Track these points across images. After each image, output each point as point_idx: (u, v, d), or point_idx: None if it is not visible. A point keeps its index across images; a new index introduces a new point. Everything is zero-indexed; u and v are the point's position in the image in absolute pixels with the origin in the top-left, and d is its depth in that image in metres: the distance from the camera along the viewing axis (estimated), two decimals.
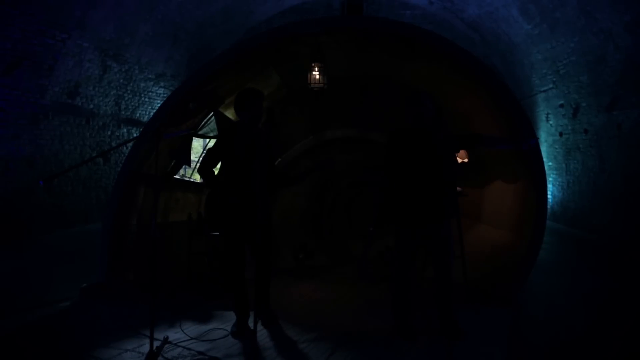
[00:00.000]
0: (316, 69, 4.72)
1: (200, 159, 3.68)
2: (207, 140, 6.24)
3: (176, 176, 5.18)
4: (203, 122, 5.01)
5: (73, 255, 6.35)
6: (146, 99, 10.24)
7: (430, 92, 3.55)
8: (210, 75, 4.56)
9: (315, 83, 4.76)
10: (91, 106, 8.68)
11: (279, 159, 5.63)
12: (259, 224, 3.31)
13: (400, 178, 3.40)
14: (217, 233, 4.60)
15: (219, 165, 3.65)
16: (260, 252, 3.60)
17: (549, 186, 10.38)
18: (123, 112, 9.71)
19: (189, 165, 5.01)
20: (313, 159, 5.70)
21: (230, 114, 5.27)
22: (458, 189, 4.42)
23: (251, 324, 3.47)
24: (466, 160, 4.39)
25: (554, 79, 9.47)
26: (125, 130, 9.88)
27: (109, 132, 9.41)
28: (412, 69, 5.01)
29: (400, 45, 4.70)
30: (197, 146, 9.51)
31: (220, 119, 5.02)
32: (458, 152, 3.54)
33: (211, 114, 4.99)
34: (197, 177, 6.02)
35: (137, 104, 10.03)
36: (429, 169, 3.31)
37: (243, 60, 4.67)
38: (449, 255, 3.47)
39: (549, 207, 10.25)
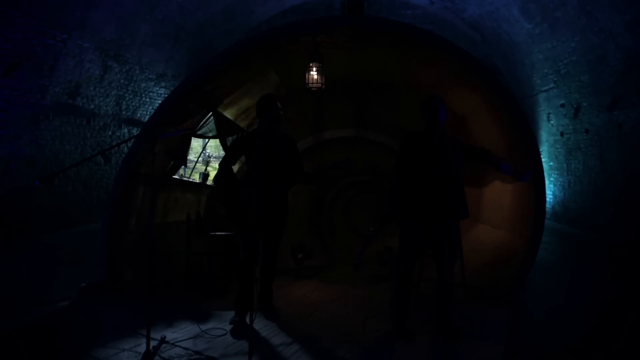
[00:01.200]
0: (314, 69, 4.72)
1: (224, 155, 3.97)
2: (207, 140, 6.25)
3: (175, 176, 5.19)
4: (201, 122, 5.01)
5: (73, 255, 6.36)
6: (147, 99, 10.25)
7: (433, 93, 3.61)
8: (208, 76, 4.56)
9: (313, 83, 4.76)
10: (92, 106, 8.69)
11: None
12: (255, 222, 3.41)
13: (412, 178, 3.47)
14: (217, 233, 4.65)
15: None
16: (267, 250, 3.78)
17: (551, 186, 10.36)
18: (124, 113, 9.72)
19: (185, 165, 5.02)
20: (312, 159, 5.70)
21: (229, 114, 5.27)
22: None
23: (248, 321, 3.53)
24: None
25: (555, 79, 9.45)
26: (126, 130, 9.90)
27: (110, 133, 9.43)
28: (411, 68, 5.01)
29: (398, 45, 4.70)
30: (197, 146, 9.53)
31: (219, 119, 5.02)
32: (466, 159, 3.59)
33: (210, 114, 5.00)
34: (196, 177, 6.03)
35: (138, 104, 10.05)
36: (440, 171, 3.34)
37: (242, 61, 4.68)
38: (453, 257, 3.47)
39: (550, 207, 10.25)
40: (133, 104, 9.90)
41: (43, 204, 7.68)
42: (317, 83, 4.76)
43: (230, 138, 5.18)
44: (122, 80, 9.16)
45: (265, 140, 3.59)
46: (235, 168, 4.70)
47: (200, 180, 5.73)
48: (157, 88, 10.40)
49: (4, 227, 6.79)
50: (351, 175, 6.05)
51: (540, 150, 10.94)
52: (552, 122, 10.23)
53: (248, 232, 3.61)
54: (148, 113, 10.37)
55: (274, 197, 3.65)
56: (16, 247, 6.60)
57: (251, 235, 3.57)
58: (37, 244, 6.97)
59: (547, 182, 10.56)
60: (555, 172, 10.22)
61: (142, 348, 3.09)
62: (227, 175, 3.86)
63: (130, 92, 9.60)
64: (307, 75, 4.76)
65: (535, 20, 8.93)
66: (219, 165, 3.90)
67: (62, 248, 6.93)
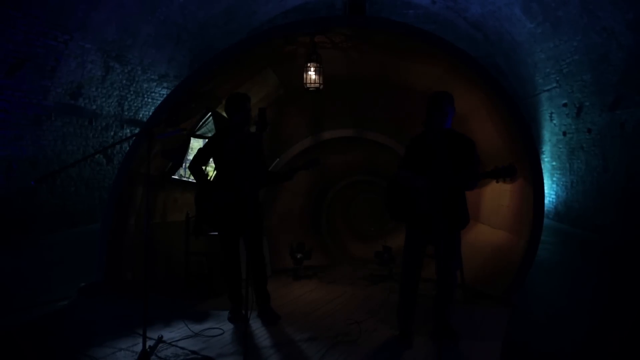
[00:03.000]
0: (312, 69, 4.71)
1: (192, 157, 3.88)
2: (205, 140, 6.26)
3: (174, 176, 5.20)
4: (200, 123, 5.02)
5: (75, 255, 6.39)
6: (149, 100, 10.29)
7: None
8: (207, 76, 4.58)
9: (311, 83, 4.76)
10: (94, 107, 8.74)
11: (277, 159, 5.63)
12: (248, 222, 3.44)
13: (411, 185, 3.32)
14: (216, 233, 4.65)
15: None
16: (251, 250, 3.72)
17: (553, 186, 10.31)
18: (126, 113, 9.76)
19: (181, 166, 5.03)
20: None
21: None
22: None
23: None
24: None
25: (558, 78, 9.41)
26: (128, 130, 9.93)
27: (112, 133, 9.47)
28: (410, 68, 5.00)
29: (397, 45, 4.69)
30: (196, 146, 9.55)
31: (218, 119, 5.03)
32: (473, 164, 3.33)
33: (208, 114, 5.01)
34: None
35: (140, 105, 10.09)
36: (434, 177, 3.16)
37: (240, 61, 4.69)
38: (455, 263, 3.41)
39: (553, 207, 10.20)
40: (135, 104, 9.94)
41: (45, 204, 7.73)
42: (315, 83, 4.75)
43: None
44: (124, 81, 9.20)
45: (236, 141, 3.62)
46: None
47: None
48: (160, 89, 10.43)
49: (6, 227, 6.83)
50: (351, 175, 6.05)
51: (542, 149, 10.98)
52: (554, 121, 10.19)
53: (224, 234, 3.71)
54: (150, 114, 10.41)
55: (246, 198, 3.58)
56: (18, 247, 6.64)
57: (227, 236, 3.68)
58: (38, 244, 7.01)
59: (550, 182, 10.52)
60: (558, 171, 10.17)
61: (139, 347, 3.09)
62: (198, 178, 3.82)
63: (132, 92, 9.64)
64: (305, 76, 4.76)
65: (537, 19, 8.90)
66: (189, 167, 3.87)
67: (64, 248, 6.97)
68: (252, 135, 3.76)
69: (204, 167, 3.90)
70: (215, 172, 3.89)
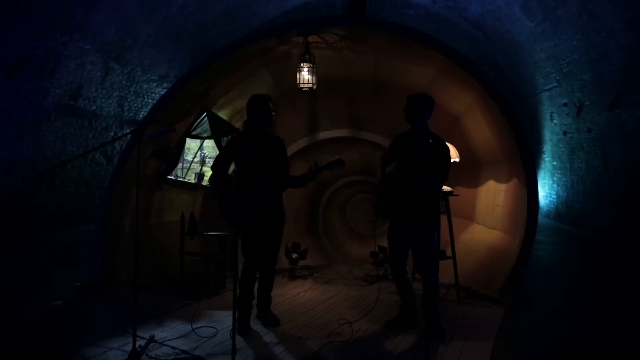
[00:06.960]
0: (305, 69, 4.72)
1: (215, 158, 3.79)
2: (203, 140, 6.28)
3: (170, 176, 5.22)
4: (196, 123, 5.04)
5: (73, 255, 6.43)
6: (149, 100, 10.33)
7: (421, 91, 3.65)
8: (202, 77, 4.59)
9: (304, 83, 4.76)
10: (94, 107, 8.78)
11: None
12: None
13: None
14: (211, 233, 4.66)
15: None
16: (267, 254, 3.70)
17: (554, 186, 10.27)
18: (126, 114, 9.80)
19: (173, 166, 5.04)
20: (307, 159, 5.70)
21: (224, 114, 5.30)
22: (448, 188, 4.40)
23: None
24: (457, 159, 4.37)
25: (558, 78, 9.37)
26: (128, 131, 9.98)
27: (112, 134, 9.51)
28: (404, 68, 5.00)
29: (392, 45, 4.69)
30: (194, 147, 9.56)
31: (213, 120, 5.04)
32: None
33: (203, 115, 5.02)
34: (191, 178, 6.06)
35: (140, 105, 10.13)
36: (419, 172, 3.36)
37: (235, 61, 4.71)
38: (430, 259, 3.49)
39: (554, 207, 10.16)
40: (135, 105, 9.97)
41: (45, 205, 7.77)
42: (308, 83, 4.76)
43: (225, 138, 5.20)
44: (124, 82, 9.23)
45: (259, 142, 3.56)
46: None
47: (196, 181, 5.75)
48: (160, 89, 10.47)
49: (6, 227, 6.88)
50: (347, 175, 6.05)
51: (543, 149, 10.92)
52: (555, 121, 10.15)
53: (247, 236, 3.58)
54: None
55: (269, 200, 3.58)
56: (17, 247, 6.69)
57: (251, 239, 3.57)
58: (38, 244, 7.06)
59: (550, 181, 10.48)
60: (559, 171, 10.13)
61: (130, 347, 3.10)
62: (222, 180, 3.69)
63: (132, 93, 9.67)
64: (298, 76, 4.77)
65: (537, 18, 8.87)
66: (212, 168, 3.76)
67: (63, 248, 7.01)
68: (274, 138, 3.68)
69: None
70: (235, 173, 3.71)
